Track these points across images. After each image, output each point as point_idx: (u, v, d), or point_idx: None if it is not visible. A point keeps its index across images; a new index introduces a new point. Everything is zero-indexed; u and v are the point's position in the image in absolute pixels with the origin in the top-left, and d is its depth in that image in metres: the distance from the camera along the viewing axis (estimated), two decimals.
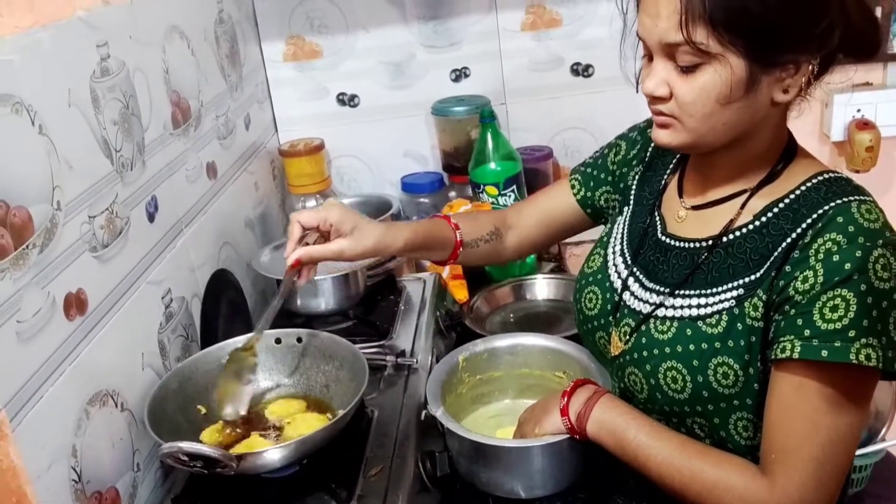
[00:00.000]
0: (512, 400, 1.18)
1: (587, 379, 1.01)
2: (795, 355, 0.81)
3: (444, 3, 1.77)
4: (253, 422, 1.09)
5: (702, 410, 0.91)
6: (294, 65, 1.83)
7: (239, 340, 1.12)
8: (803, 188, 0.89)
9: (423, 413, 1.06)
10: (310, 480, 1.00)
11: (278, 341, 1.16)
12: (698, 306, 0.92)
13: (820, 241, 0.82)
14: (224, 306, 1.35)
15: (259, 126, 1.74)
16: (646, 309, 0.96)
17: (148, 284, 1.10)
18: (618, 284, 1.02)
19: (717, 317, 0.89)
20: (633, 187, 1.09)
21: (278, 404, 1.13)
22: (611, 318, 1.01)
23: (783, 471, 0.84)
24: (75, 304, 0.91)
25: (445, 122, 1.80)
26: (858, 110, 1.78)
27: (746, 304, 0.87)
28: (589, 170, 1.16)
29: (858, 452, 1.39)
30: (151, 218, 1.14)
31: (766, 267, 0.87)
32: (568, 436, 0.95)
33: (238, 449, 1.02)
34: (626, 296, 1.00)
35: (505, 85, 1.83)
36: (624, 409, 0.95)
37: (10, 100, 0.83)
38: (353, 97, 1.86)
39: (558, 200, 1.18)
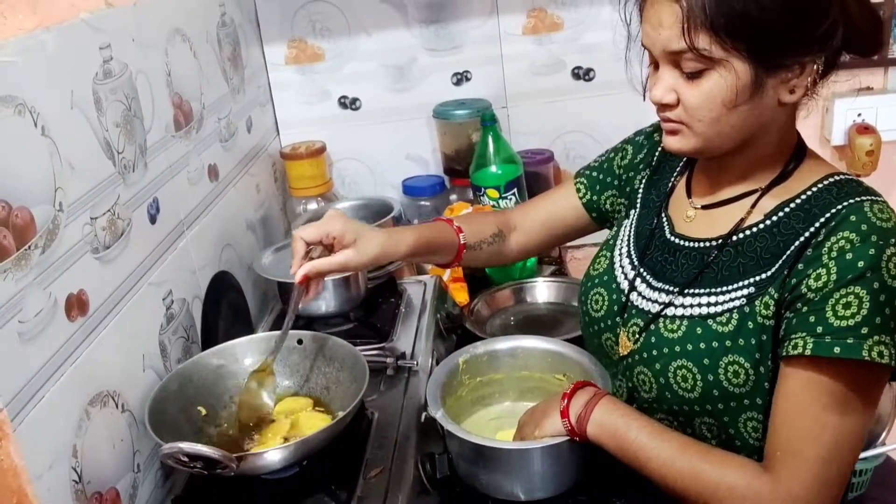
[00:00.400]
0: (512, 402, 1.18)
1: (587, 381, 1.01)
2: (807, 352, 0.81)
3: (446, 7, 1.78)
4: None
5: (711, 409, 0.91)
6: (296, 68, 1.83)
7: (256, 363, 1.12)
8: (815, 189, 0.89)
9: (423, 415, 1.06)
10: (310, 481, 1.00)
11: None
12: (708, 304, 0.92)
13: (833, 239, 0.83)
14: (225, 308, 1.35)
15: (261, 129, 1.75)
16: (654, 308, 0.97)
17: (149, 286, 1.10)
18: (625, 285, 1.02)
19: (727, 315, 0.90)
20: (640, 191, 1.10)
21: (285, 402, 1.14)
22: (618, 318, 1.01)
23: (787, 469, 0.83)
24: (77, 305, 0.91)
25: (447, 125, 1.81)
26: (859, 115, 1.78)
27: (757, 302, 0.88)
28: (595, 173, 1.17)
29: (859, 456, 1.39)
30: (153, 219, 1.14)
31: (777, 265, 0.87)
32: (568, 438, 0.95)
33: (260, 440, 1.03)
34: (634, 296, 1.00)
35: (506, 88, 1.84)
36: (624, 410, 0.95)
37: (13, 101, 0.83)
38: (354, 100, 1.86)
39: (563, 203, 1.19)
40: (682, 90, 0.87)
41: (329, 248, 1.02)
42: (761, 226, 0.91)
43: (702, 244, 0.96)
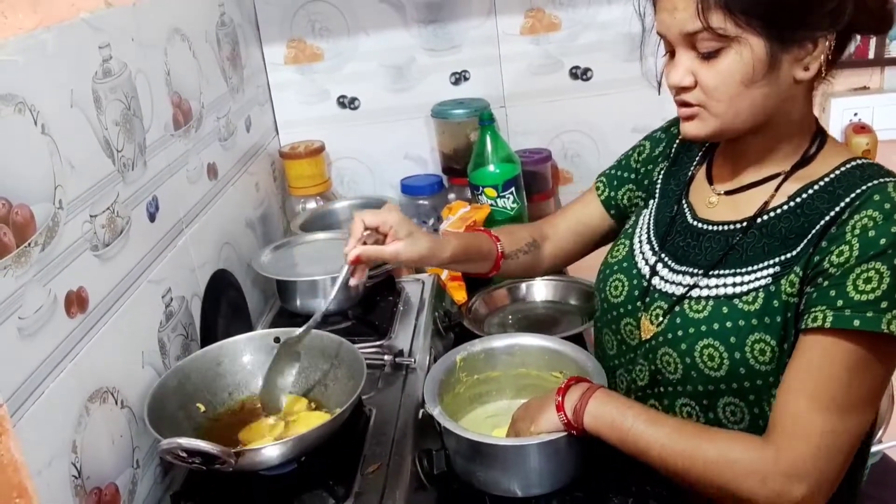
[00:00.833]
0: (509, 400, 1.18)
1: (581, 377, 1.02)
2: (827, 324, 0.83)
3: (445, 7, 1.79)
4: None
5: (737, 388, 0.92)
6: (295, 68, 1.84)
7: (293, 331, 1.12)
8: (838, 172, 0.91)
9: (421, 412, 1.07)
10: (308, 477, 1.00)
11: (277, 340, 1.17)
12: (734, 285, 0.93)
13: (857, 217, 0.85)
14: (224, 306, 1.36)
15: (260, 128, 1.76)
16: (679, 291, 0.98)
17: (148, 283, 1.11)
18: (646, 271, 1.04)
19: (753, 294, 0.91)
20: (659, 182, 1.12)
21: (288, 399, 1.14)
22: (639, 303, 1.02)
23: (791, 440, 0.84)
24: (76, 302, 0.92)
25: (445, 124, 1.81)
26: (855, 114, 1.79)
27: (783, 281, 0.89)
28: (613, 171, 1.20)
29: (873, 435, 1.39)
30: (152, 218, 1.15)
31: (803, 245, 0.89)
32: (565, 434, 0.96)
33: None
34: (656, 280, 1.02)
35: (504, 88, 1.84)
36: (620, 400, 0.96)
37: (13, 100, 0.84)
38: (353, 100, 1.87)
39: (587, 208, 1.22)
40: (700, 72, 0.89)
41: (382, 239, 1.05)
42: (785, 207, 0.93)
43: (727, 227, 0.98)
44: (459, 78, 1.85)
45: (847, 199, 0.87)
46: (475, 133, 1.74)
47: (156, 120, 1.19)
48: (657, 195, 1.11)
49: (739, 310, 0.91)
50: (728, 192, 1.00)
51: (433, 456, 1.04)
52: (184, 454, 0.91)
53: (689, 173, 1.07)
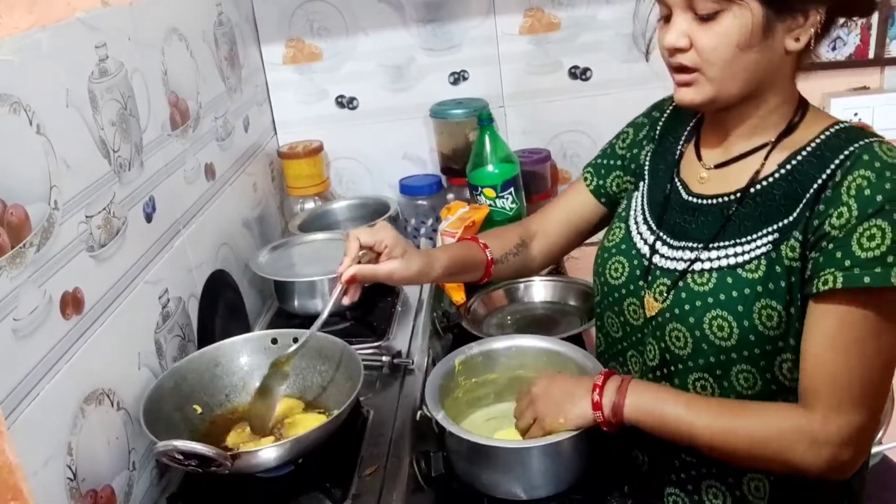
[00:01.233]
0: (509, 403, 1.18)
1: (611, 370, 1.02)
2: (838, 285, 0.84)
3: (444, 7, 1.78)
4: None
5: (748, 355, 0.93)
6: (293, 67, 1.84)
7: (282, 351, 1.11)
8: (823, 137, 0.93)
9: (419, 414, 1.07)
10: (305, 479, 1.00)
11: (274, 341, 1.17)
12: (735, 255, 0.95)
13: (850, 178, 0.86)
14: (221, 307, 1.36)
15: (258, 128, 1.75)
16: (681, 266, 0.99)
17: (145, 284, 1.10)
18: (645, 250, 1.04)
19: (755, 262, 0.93)
20: (647, 164, 1.13)
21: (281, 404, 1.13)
22: (641, 282, 1.03)
23: (833, 404, 0.86)
24: (72, 303, 0.91)
25: (444, 124, 1.81)
26: (855, 114, 1.79)
27: (783, 246, 0.91)
28: (599, 160, 1.21)
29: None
30: (149, 218, 1.14)
31: (798, 210, 0.91)
32: (568, 437, 0.96)
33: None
34: (657, 258, 1.02)
35: (503, 88, 1.84)
36: (655, 387, 0.98)
37: (8, 99, 0.83)
38: (352, 100, 1.86)
39: (576, 198, 1.22)
40: (696, 34, 0.90)
41: (375, 258, 1.04)
42: (777, 175, 0.94)
43: (721, 199, 0.99)
44: (458, 78, 1.84)
45: (836, 161, 0.89)
46: (474, 133, 1.74)
47: (152, 120, 1.19)
48: (647, 177, 1.12)
49: (744, 279, 0.93)
50: (718, 166, 1.01)
51: (431, 458, 1.04)
52: (180, 456, 0.91)
53: (678, 151, 1.08)
